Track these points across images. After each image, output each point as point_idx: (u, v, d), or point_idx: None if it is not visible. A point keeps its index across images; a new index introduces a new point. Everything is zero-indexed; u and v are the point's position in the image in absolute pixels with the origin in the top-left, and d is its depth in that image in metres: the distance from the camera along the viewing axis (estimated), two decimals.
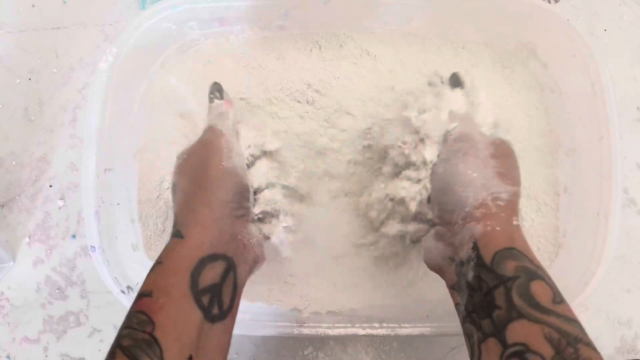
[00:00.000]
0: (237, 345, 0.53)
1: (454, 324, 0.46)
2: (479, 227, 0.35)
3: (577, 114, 0.50)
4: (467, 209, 0.36)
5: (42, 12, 0.60)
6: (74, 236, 0.56)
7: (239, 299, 0.37)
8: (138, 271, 0.49)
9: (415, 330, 0.46)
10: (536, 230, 0.51)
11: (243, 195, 0.39)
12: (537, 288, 0.31)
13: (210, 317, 0.33)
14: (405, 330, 0.46)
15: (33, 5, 0.60)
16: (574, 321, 0.30)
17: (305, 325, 0.47)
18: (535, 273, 0.32)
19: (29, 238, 0.56)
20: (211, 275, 0.35)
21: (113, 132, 0.48)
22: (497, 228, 0.34)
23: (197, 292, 0.34)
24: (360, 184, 0.52)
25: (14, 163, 0.57)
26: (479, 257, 0.34)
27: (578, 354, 0.28)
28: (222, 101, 0.45)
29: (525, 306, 0.30)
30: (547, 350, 0.28)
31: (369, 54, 0.53)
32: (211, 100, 0.46)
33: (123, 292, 0.45)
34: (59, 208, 0.56)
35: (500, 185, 0.36)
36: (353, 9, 0.51)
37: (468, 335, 0.34)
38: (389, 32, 0.53)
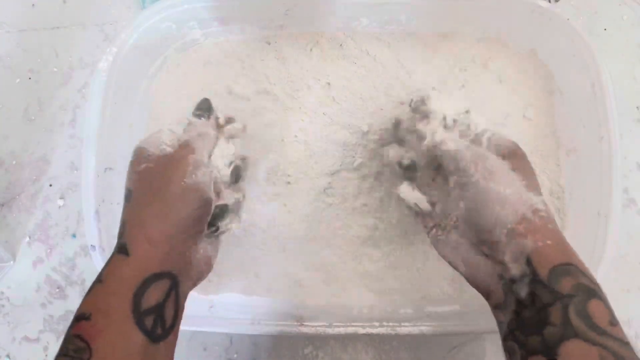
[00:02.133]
0: (237, 344, 0.53)
1: (454, 323, 0.46)
2: (528, 242, 0.34)
3: (577, 114, 0.50)
4: (509, 226, 0.34)
5: (42, 12, 0.60)
6: (74, 235, 0.56)
7: (181, 315, 0.36)
8: None
9: (415, 330, 0.46)
10: None
11: (204, 210, 0.37)
12: (595, 308, 0.30)
13: (154, 338, 0.32)
14: (405, 329, 0.46)
15: (33, 5, 0.60)
16: (628, 345, 0.30)
17: (305, 324, 0.47)
18: (593, 292, 0.31)
19: (29, 238, 0.56)
20: (155, 294, 0.33)
21: (113, 131, 0.48)
22: (548, 242, 0.33)
23: (139, 314, 0.32)
24: (357, 185, 0.52)
25: (14, 163, 0.57)
26: (534, 273, 0.33)
27: None
28: (207, 121, 0.42)
29: (582, 326, 0.30)
30: None
31: (369, 54, 0.53)
32: (197, 116, 0.42)
33: None
34: (59, 207, 0.56)
35: (533, 197, 0.35)
36: (353, 9, 0.51)
37: (509, 353, 0.34)
38: (389, 32, 0.53)
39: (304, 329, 0.46)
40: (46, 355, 0.54)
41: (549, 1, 0.59)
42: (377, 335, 0.46)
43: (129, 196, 0.37)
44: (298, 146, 0.52)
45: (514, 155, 0.37)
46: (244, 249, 0.51)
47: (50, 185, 0.56)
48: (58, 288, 0.55)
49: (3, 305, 0.55)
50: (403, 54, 0.53)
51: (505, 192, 0.35)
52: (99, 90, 0.46)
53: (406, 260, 0.51)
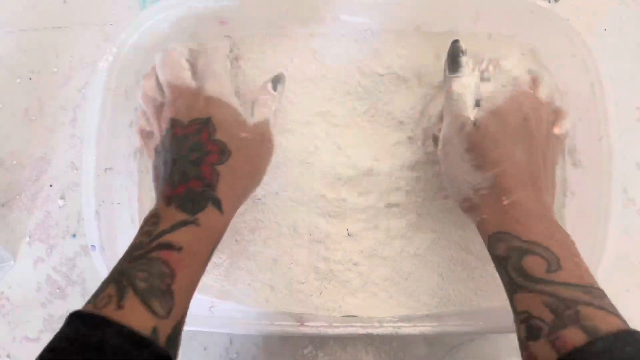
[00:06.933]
0: (238, 345, 0.53)
1: (454, 324, 0.46)
2: (471, 216, 0.41)
3: (577, 114, 0.49)
4: (458, 203, 0.42)
5: (42, 12, 0.60)
6: (74, 235, 0.56)
7: None
8: None
9: (415, 330, 0.46)
10: None
11: None
12: (529, 262, 0.35)
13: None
14: (406, 329, 0.46)
15: (33, 5, 0.60)
16: (574, 285, 0.33)
17: (305, 324, 0.47)
18: (526, 250, 0.36)
19: (29, 237, 0.56)
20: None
21: (113, 131, 0.48)
22: (484, 216, 0.39)
23: (207, 262, 0.38)
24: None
25: (14, 162, 0.57)
26: (484, 241, 0.40)
27: (578, 315, 0.31)
28: (279, 95, 0.47)
29: (520, 279, 0.35)
30: (547, 315, 0.32)
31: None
32: (274, 88, 0.47)
33: None
34: (59, 207, 0.56)
35: (478, 176, 0.40)
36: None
37: None
38: (388, 31, 0.53)
39: (304, 329, 0.47)
40: None
41: (549, 1, 0.59)
42: (377, 335, 0.46)
43: (226, 153, 0.40)
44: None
45: (477, 132, 0.40)
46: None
47: (51, 185, 0.56)
48: (58, 288, 0.55)
49: (3, 305, 0.55)
50: (401, 54, 0.53)
51: (453, 174, 0.42)
52: (99, 90, 0.46)
53: (408, 266, 0.51)
